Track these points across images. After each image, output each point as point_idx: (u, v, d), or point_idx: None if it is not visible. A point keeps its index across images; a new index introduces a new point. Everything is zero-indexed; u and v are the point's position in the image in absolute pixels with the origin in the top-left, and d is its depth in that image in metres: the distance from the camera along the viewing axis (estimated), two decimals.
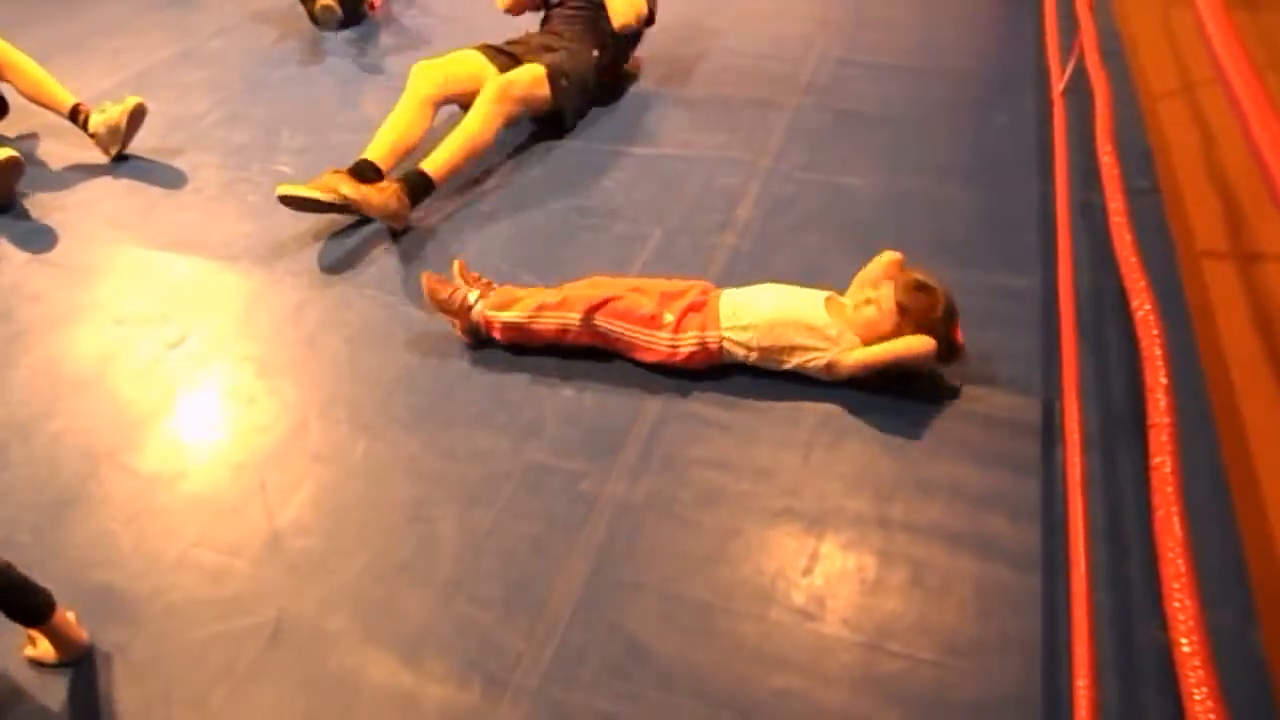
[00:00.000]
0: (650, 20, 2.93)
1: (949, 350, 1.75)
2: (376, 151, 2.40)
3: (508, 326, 1.89)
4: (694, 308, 1.83)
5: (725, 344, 1.80)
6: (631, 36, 2.96)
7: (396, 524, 1.61)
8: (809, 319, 1.77)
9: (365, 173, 2.34)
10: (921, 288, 1.74)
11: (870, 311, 1.76)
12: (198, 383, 1.95)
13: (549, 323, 1.87)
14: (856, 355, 1.74)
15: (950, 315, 1.74)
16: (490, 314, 1.89)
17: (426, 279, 1.92)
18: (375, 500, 1.66)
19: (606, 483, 1.65)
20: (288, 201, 2.28)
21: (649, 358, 1.83)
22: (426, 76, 2.56)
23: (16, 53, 2.70)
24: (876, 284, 1.80)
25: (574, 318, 1.85)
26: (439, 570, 1.52)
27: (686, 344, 1.80)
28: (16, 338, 2.10)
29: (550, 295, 1.88)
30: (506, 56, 2.75)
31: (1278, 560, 1.37)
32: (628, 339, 1.84)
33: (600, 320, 1.84)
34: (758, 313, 1.79)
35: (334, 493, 1.68)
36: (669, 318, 1.81)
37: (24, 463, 1.77)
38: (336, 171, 2.33)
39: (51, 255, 2.38)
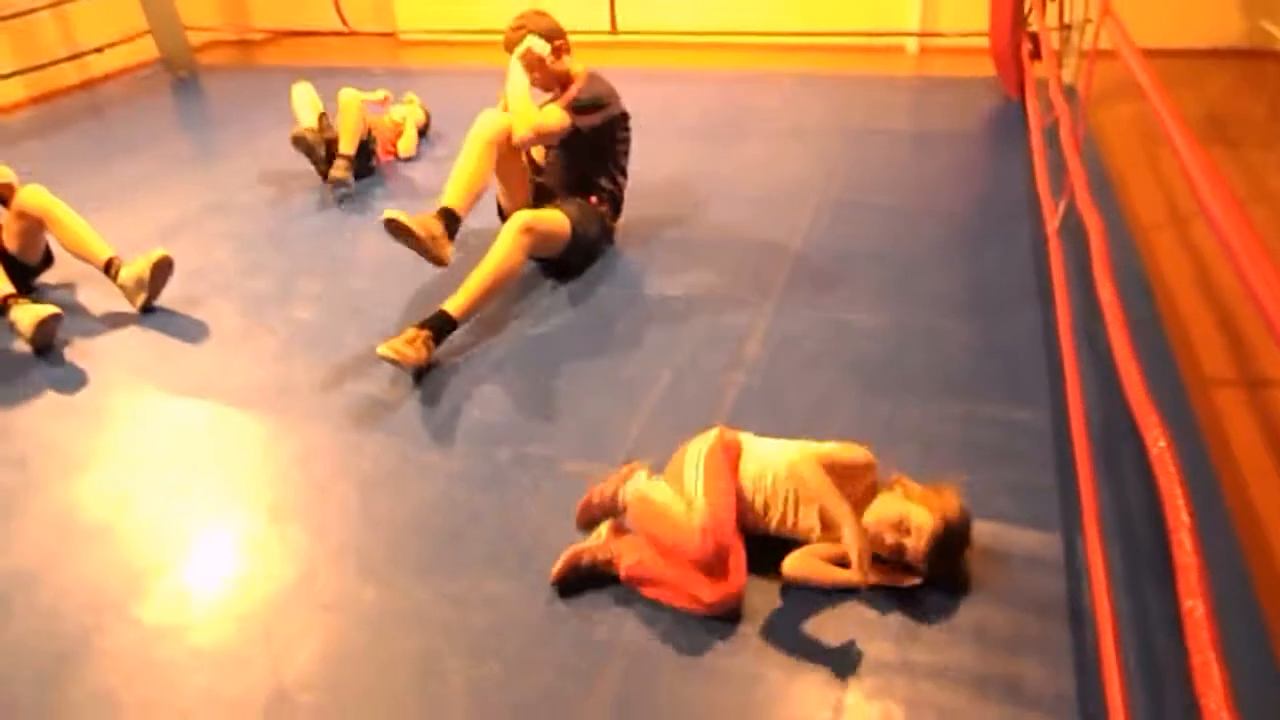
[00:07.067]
0: (581, 125, 2.79)
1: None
2: (453, 199, 2.60)
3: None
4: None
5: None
6: (617, 192, 3.00)
7: (405, 678, 1.56)
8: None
9: (450, 222, 2.57)
10: (946, 539, 1.61)
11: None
12: (207, 530, 1.94)
13: None
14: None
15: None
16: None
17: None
18: (383, 652, 1.61)
19: (622, 629, 1.61)
20: (393, 227, 2.47)
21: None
22: (489, 122, 2.71)
23: (62, 207, 2.85)
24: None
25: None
26: None
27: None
28: (28, 486, 2.10)
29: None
30: (535, 171, 3.01)
31: None
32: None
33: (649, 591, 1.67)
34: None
35: (341, 644, 1.64)
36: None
37: (26, 615, 1.74)
38: (435, 217, 2.55)
39: (71, 401, 2.42)
